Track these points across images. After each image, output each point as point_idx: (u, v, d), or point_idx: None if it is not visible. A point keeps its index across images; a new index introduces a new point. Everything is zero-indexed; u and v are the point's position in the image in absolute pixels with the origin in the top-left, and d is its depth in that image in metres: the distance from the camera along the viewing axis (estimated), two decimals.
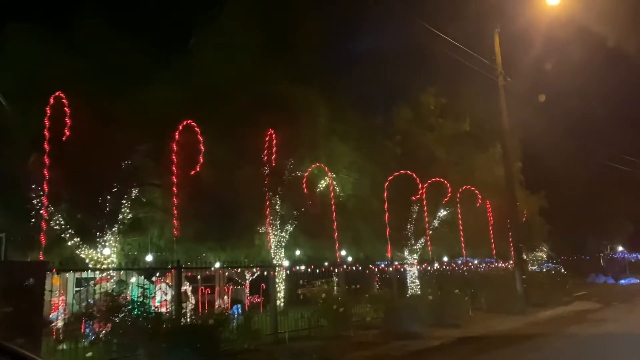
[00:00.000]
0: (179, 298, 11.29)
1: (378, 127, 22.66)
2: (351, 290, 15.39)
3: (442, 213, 25.83)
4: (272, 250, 21.86)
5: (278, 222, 21.60)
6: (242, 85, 15.59)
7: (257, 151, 16.09)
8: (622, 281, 39.29)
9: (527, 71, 24.09)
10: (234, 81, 15.35)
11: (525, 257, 45.71)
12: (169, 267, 12.84)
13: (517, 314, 18.91)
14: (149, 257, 16.81)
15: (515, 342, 13.82)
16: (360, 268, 17.42)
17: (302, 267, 17.02)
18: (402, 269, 24.47)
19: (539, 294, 21.88)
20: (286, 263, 19.85)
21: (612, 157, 39.87)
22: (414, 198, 20.05)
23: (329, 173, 18.43)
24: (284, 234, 21.79)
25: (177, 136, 13.10)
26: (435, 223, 26.03)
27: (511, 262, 26.05)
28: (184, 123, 13.20)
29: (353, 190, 21.82)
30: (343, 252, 23.21)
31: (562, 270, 46.66)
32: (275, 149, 16.01)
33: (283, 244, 21.88)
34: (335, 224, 17.72)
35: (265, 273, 21.63)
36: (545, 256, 48.16)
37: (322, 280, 33.09)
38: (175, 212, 12.93)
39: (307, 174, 18.29)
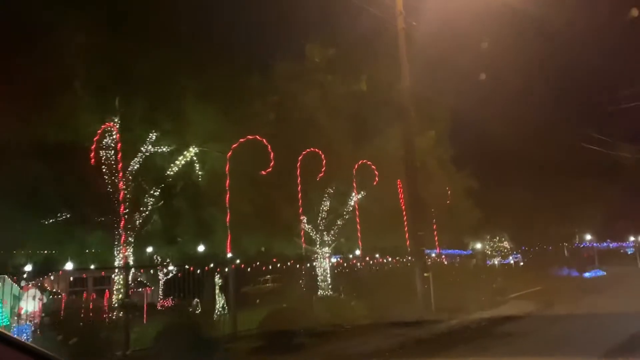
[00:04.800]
0: None
1: (254, 88, 17.80)
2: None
3: (355, 197, 21.18)
4: (115, 248, 17.11)
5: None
6: None
7: None
8: (587, 274, 34.80)
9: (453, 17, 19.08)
10: None
11: (487, 248, 41.90)
12: None
13: (410, 324, 14.35)
14: None
15: None
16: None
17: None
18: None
19: (455, 296, 17.39)
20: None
21: (579, 135, 35.45)
22: (263, 172, 15.26)
23: (118, 133, 13.56)
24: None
25: None
26: (349, 208, 21.46)
27: (433, 254, 21.54)
28: None
29: (218, 166, 17.03)
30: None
31: (521, 262, 42.81)
32: None
33: (130, 238, 17.14)
34: (122, 208, 12.94)
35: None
36: (508, 247, 43.84)
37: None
38: None
39: (96, 137, 13.45)
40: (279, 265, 15.93)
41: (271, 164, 14.91)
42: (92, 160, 13.30)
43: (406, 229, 20.25)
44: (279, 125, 17.61)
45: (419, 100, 19.98)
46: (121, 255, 17.05)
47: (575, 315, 16.17)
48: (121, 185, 13.88)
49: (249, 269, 14.59)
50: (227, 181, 14.48)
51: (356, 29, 17.79)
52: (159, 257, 24.71)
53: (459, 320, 15.22)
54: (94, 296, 21.54)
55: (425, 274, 15.61)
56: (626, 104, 27.73)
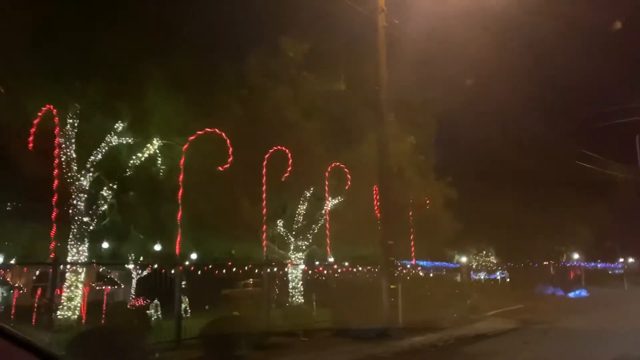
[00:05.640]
0: None
1: (225, 81, 16.86)
2: None
3: (328, 202, 20.26)
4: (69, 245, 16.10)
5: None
6: None
7: None
8: (571, 294, 33.92)
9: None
10: None
11: (472, 263, 40.89)
12: None
13: (371, 339, 13.42)
14: None
15: None
16: None
17: None
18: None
19: (426, 311, 16.47)
20: None
21: (571, 150, 34.66)
22: (220, 169, 14.30)
23: (57, 117, 12.55)
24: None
25: None
26: (324, 212, 20.54)
27: (408, 265, 20.62)
28: None
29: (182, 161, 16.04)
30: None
31: (507, 279, 41.88)
32: None
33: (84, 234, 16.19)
34: (56, 198, 11.97)
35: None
36: (494, 262, 42.84)
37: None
38: None
39: (37, 121, 12.46)
40: (234, 269, 14.96)
41: (229, 159, 13.95)
42: (30, 145, 12.30)
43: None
44: (249, 121, 16.69)
45: (400, 104, 19.14)
46: (75, 250, 16.13)
47: (550, 337, 15.30)
48: (56, 172, 12.89)
49: (199, 272, 13.59)
50: (181, 175, 13.52)
51: (335, 25, 16.93)
52: (133, 255, 23.75)
53: (426, 337, 14.27)
54: (59, 292, 20.58)
55: (392, 286, 14.62)
56: (620, 119, 26.97)
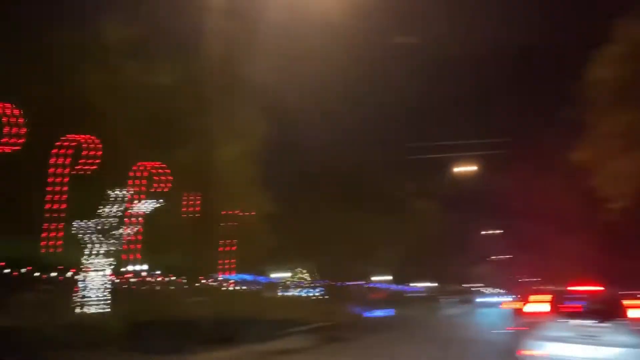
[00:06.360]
0: None
1: (32, 54, 14.68)
2: None
3: (142, 205, 18.70)
4: None
5: None
6: None
7: None
8: (375, 313, 36.14)
9: None
10: None
11: (285, 277, 41.38)
12: None
13: (165, 354, 12.45)
14: None
15: None
16: None
17: None
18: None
19: (233, 325, 15.91)
20: None
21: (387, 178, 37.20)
22: None
23: None
24: None
25: None
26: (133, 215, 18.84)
27: (220, 278, 19.97)
28: None
29: None
30: None
31: (325, 296, 43.32)
32: None
33: None
34: None
35: None
36: (309, 278, 43.89)
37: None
38: None
39: None
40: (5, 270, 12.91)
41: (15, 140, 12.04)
42: None
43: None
44: (55, 103, 14.74)
45: (228, 109, 18.62)
46: None
47: (350, 353, 15.74)
48: None
49: None
50: None
51: (168, 17, 15.87)
52: None
53: (226, 352, 13.75)
54: None
55: (196, 298, 13.84)
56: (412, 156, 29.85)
